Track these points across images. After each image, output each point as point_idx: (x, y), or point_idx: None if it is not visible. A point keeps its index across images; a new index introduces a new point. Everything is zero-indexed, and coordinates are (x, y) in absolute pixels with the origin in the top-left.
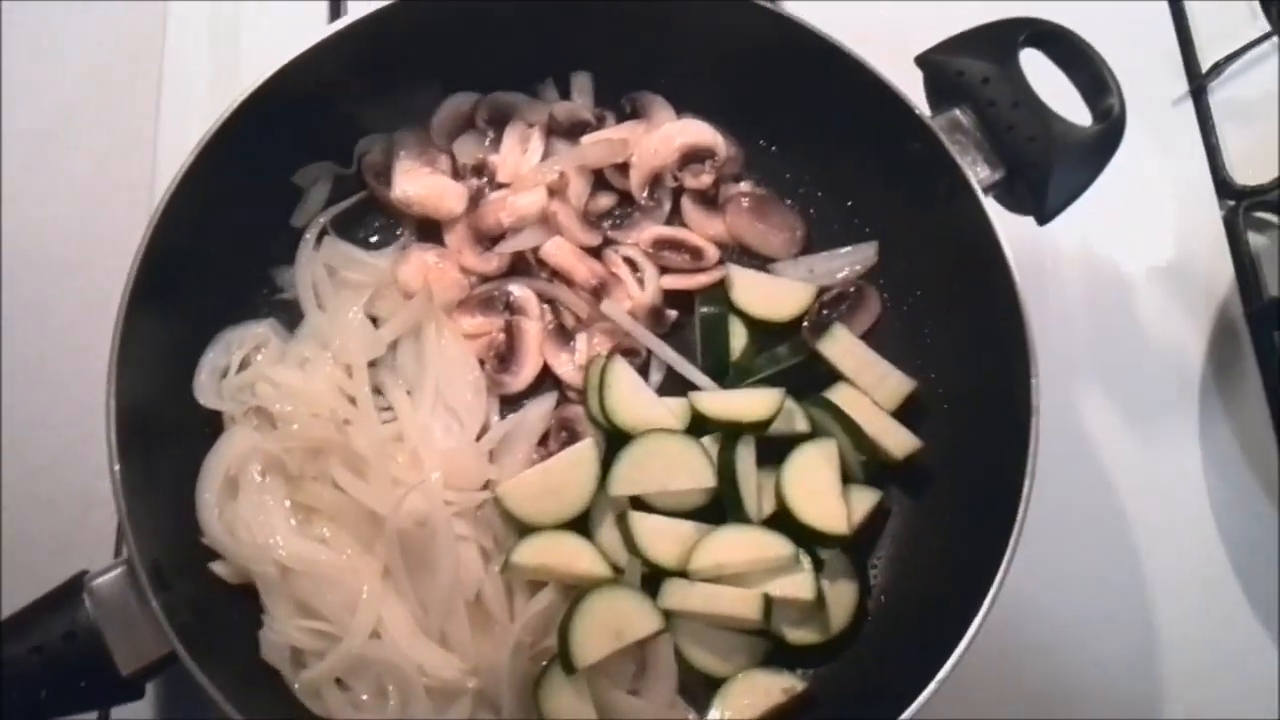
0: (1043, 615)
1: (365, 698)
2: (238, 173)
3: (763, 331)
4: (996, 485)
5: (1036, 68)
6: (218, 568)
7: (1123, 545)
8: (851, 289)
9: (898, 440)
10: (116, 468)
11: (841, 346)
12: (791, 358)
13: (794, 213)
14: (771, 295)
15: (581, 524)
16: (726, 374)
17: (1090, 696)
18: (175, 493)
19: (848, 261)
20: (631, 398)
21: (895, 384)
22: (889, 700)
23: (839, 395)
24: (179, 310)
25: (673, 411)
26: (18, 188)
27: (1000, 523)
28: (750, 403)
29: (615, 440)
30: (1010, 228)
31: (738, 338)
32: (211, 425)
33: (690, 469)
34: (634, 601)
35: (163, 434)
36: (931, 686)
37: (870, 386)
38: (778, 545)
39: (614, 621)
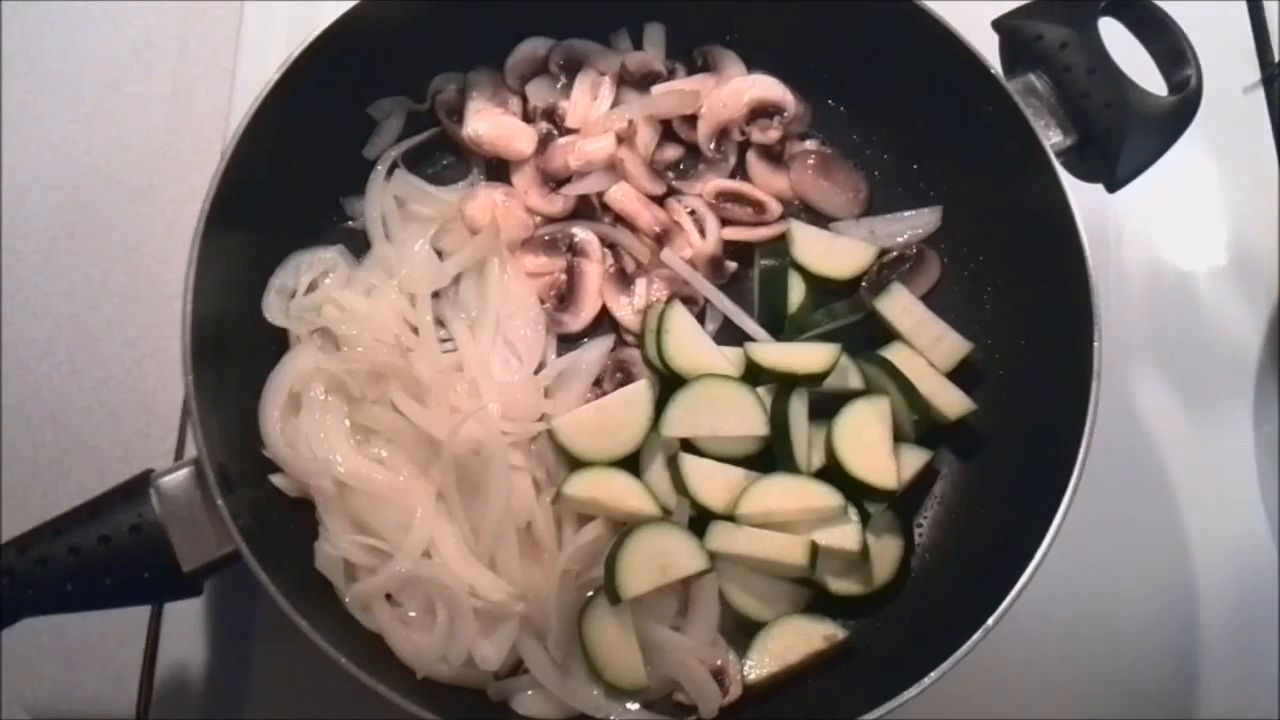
0: (1082, 595)
1: (414, 614)
2: (314, 102)
3: (821, 289)
4: (1049, 453)
5: (1114, 38)
6: (277, 480)
7: (1170, 531)
8: (912, 251)
9: (951, 401)
10: (190, 376)
11: (900, 305)
12: (849, 315)
13: (858, 173)
14: (832, 253)
15: (632, 463)
16: (782, 328)
17: (1123, 681)
18: (240, 406)
19: (910, 225)
20: (689, 343)
21: (952, 345)
22: (923, 657)
23: (894, 354)
24: (252, 231)
25: (729, 359)
26: (100, 108)
27: (1050, 492)
28: (806, 355)
29: (669, 384)
30: (1077, 199)
31: (795, 292)
32: (277, 343)
33: (744, 416)
34: (682, 540)
35: (231, 348)
36: (964, 649)
37: (926, 347)
38: (826, 496)
39: (661, 557)
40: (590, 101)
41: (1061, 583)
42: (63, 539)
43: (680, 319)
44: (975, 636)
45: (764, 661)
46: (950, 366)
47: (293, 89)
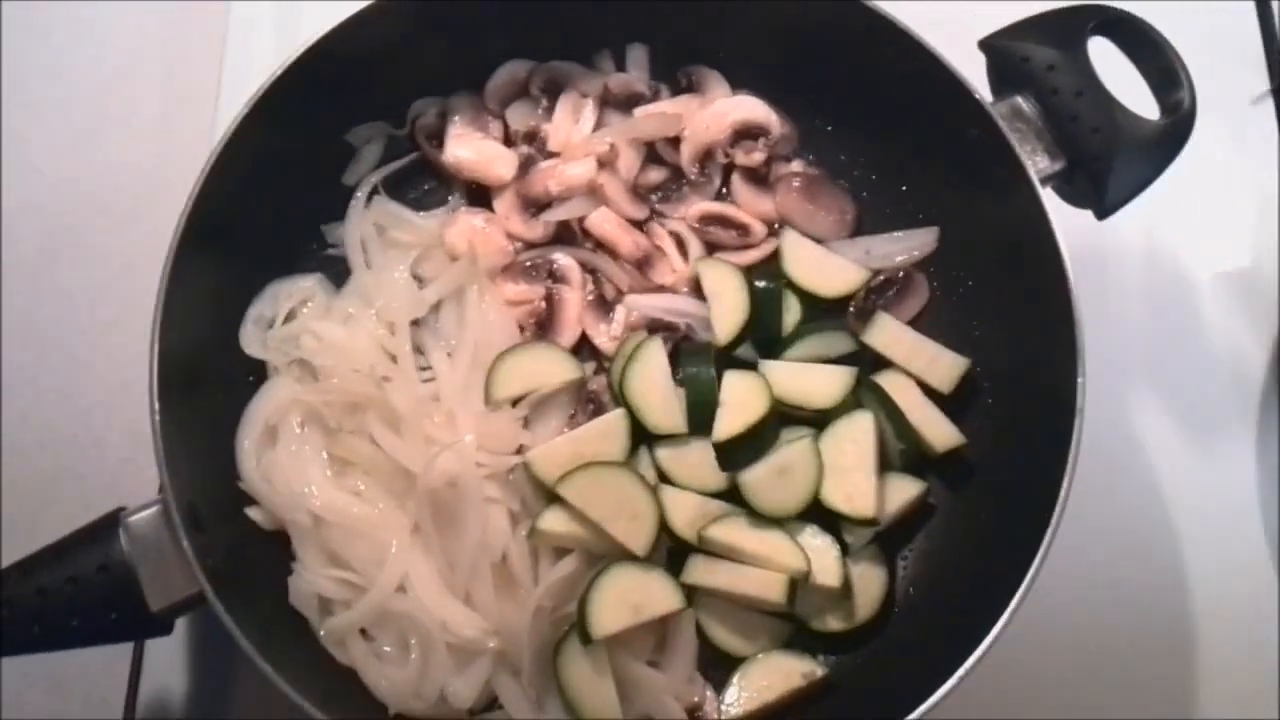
0: (1078, 620)
1: (388, 649)
2: (292, 128)
3: (808, 305)
4: (1035, 486)
5: (1105, 58)
6: (253, 513)
7: (1167, 558)
8: (900, 275)
9: (940, 433)
10: (156, 409)
11: (888, 335)
12: (841, 345)
13: (845, 195)
14: (822, 269)
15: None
16: (776, 351)
17: (1118, 711)
18: (216, 437)
19: (905, 246)
20: (650, 380)
21: (949, 364)
22: (907, 694)
23: (887, 381)
24: (228, 259)
25: (677, 408)
26: (84, 131)
27: (1034, 525)
28: (816, 383)
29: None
30: (1071, 222)
31: (791, 313)
32: (255, 374)
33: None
34: (656, 579)
35: (207, 379)
36: (948, 685)
37: (923, 370)
38: (792, 556)
39: (634, 596)
40: (572, 124)
41: (1057, 608)
42: (30, 580)
43: (652, 354)
44: (958, 674)
45: (742, 699)
46: (951, 386)
47: (270, 113)
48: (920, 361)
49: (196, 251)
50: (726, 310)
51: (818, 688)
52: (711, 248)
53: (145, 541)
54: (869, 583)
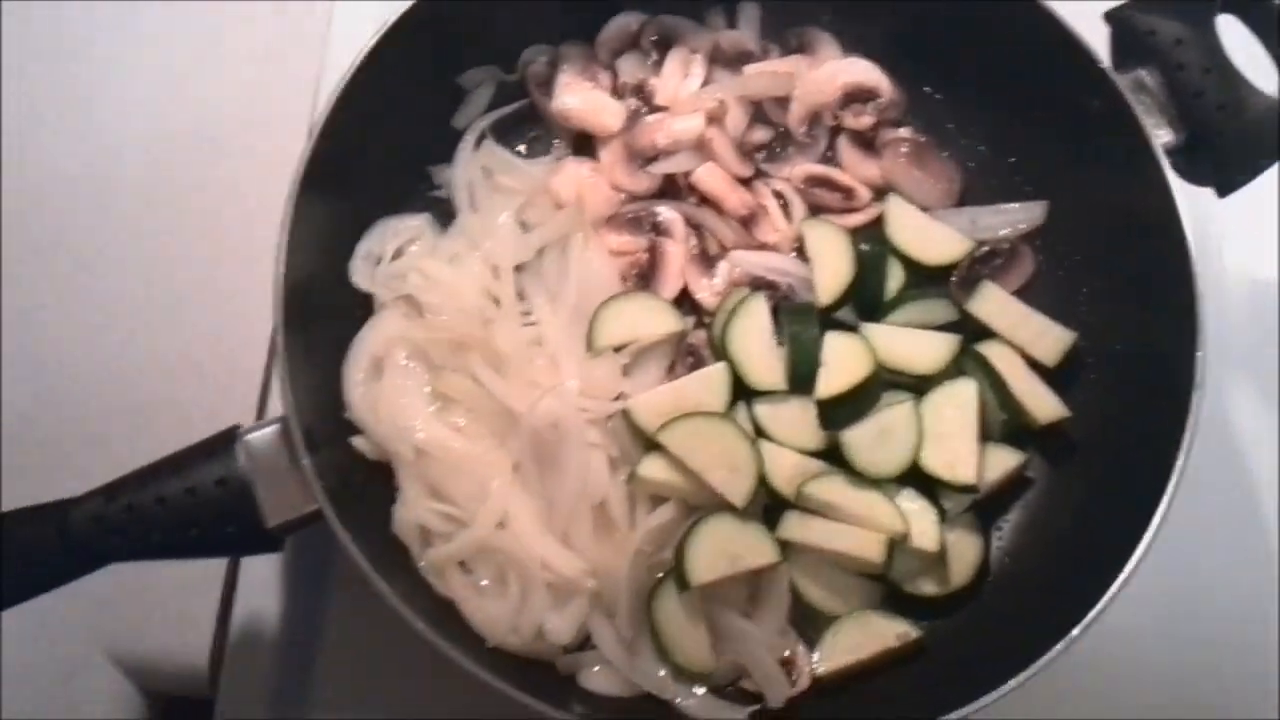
0: (1166, 611)
1: (486, 583)
2: (406, 70)
3: (911, 272)
4: (1143, 464)
5: (1232, 36)
6: (358, 442)
7: (1263, 559)
8: (1006, 247)
9: (1044, 405)
10: (282, 336)
11: (993, 305)
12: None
13: (952, 164)
14: (927, 237)
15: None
16: (877, 315)
17: (1206, 700)
18: (324, 369)
19: (1012, 219)
20: (750, 336)
21: (1055, 338)
22: (998, 665)
23: (991, 351)
24: (341, 195)
25: (779, 365)
26: (193, 66)
27: (1142, 505)
28: (919, 347)
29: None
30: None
31: (894, 279)
32: (363, 308)
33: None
34: (753, 531)
35: (317, 311)
36: (1045, 659)
37: (1028, 342)
38: (890, 517)
39: (731, 547)
40: (681, 79)
41: (1143, 596)
42: (150, 489)
43: (755, 311)
44: (1057, 647)
45: (834, 655)
46: (1057, 360)
47: (386, 56)
48: (1025, 333)
49: (314, 189)
50: (829, 272)
51: (910, 650)
52: (815, 210)
53: (261, 459)
54: (964, 550)
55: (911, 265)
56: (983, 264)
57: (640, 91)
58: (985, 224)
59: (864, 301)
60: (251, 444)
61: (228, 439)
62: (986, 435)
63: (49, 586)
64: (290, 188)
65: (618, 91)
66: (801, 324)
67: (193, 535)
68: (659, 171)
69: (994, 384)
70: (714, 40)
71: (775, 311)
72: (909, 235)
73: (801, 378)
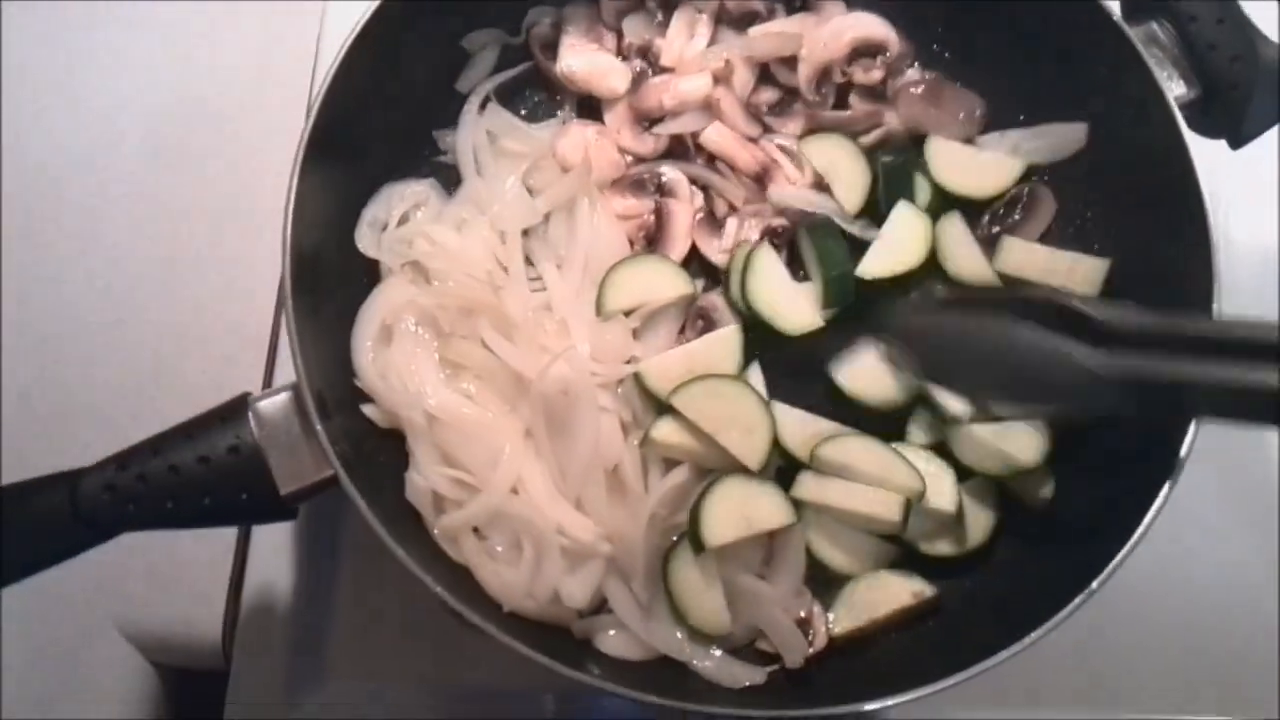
0: (1172, 581)
1: (500, 549)
2: (409, 33)
3: (939, 197)
4: (1157, 425)
5: None
6: (369, 410)
7: (1267, 516)
8: (1025, 191)
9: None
10: (290, 302)
11: (1018, 257)
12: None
13: (969, 92)
14: (974, 169)
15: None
16: None
17: (1211, 672)
18: (332, 336)
19: (1055, 140)
20: (772, 285)
21: (1090, 268)
22: (1007, 625)
23: None
24: (346, 161)
25: (810, 300)
26: (191, 32)
27: (1156, 465)
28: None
29: (753, 329)
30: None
31: (922, 193)
32: (368, 275)
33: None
34: (768, 492)
35: (324, 278)
36: (1061, 615)
37: (1065, 280)
38: (907, 476)
39: (746, 509)
40: (687, 39)
41: (1152, 568)
42: (162, 457)
43: (766, 261)
44: (1075, 601)
45: (850, 615)
46: (1098, 287)
47: (389, 18)
48: (1060, 271)
49: (318, 156)
50: (846, 184)
51: (926, 608)
52: None
53: (274, 425)
54: (980, 509)
55: (963, 200)
56: (1003, 218)
57: (646, 53)
58: (1029, 147)
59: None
60: (262, 411)
61: (239, 406)
62: None
63: (61, 558)
64: (296, 152)
65: (623, 53)
66: (824, 237)
67: (206, 504)
68: (666, 133)
69: None
70: None
71: (792, 247)
72: (958, 173)
73: (839, 291)
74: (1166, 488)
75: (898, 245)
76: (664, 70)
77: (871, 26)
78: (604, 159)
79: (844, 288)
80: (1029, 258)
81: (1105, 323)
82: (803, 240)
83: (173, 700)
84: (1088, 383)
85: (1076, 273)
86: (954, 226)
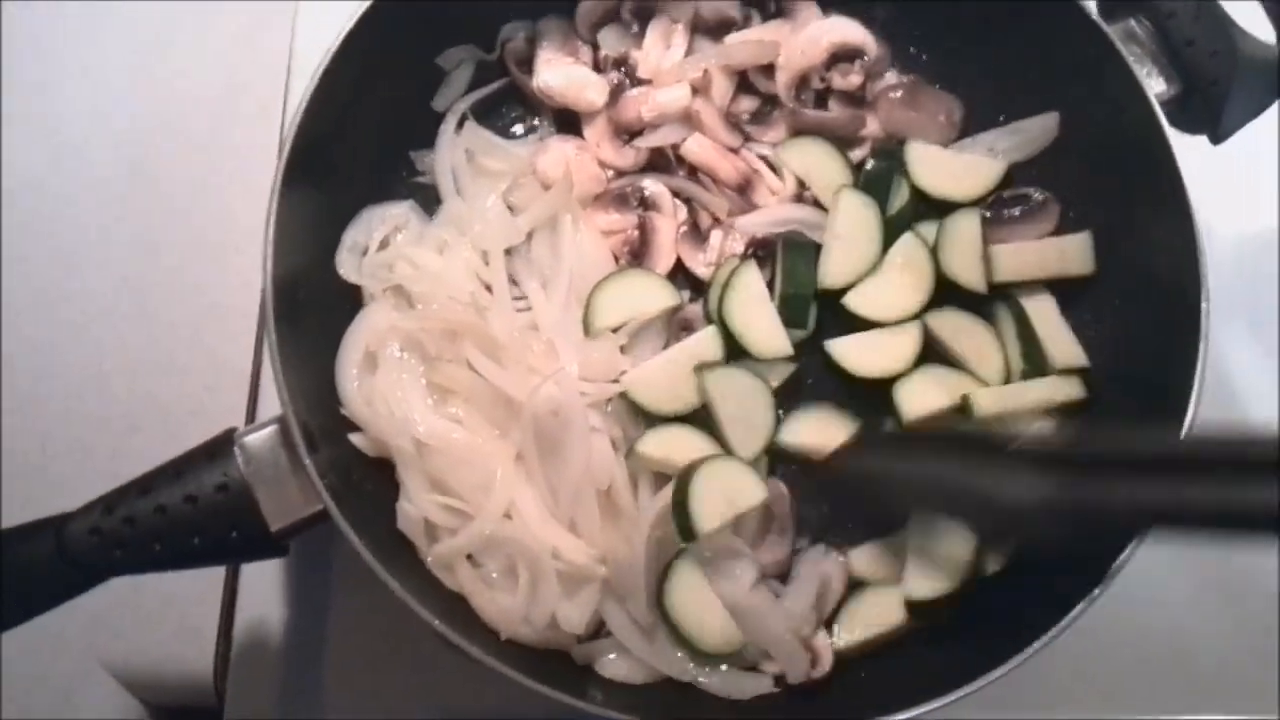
0: (1173, 592)
1: (495, 575)
2: (384, 52)
3: (918, 199)
4: (1154, 413)
5: None
6: (357, 439)
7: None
8: (1034, 197)
9: (1065, 350)
10: (273, 334)
11: (1010, 261)
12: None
13: (948, 95)
14: (954, 172)
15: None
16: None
17: (1208, 677)
18: (315, 364)
19: (1027, 138)
20: (749, 305)
21: (1077, 245)
22: (1014, 633)
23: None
24: (323, 185)
25: (781, 334)
26: (160, 58)
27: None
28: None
29: (730, 341)
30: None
31: (900, 198)
32: (350, 301)
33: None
34: (743, 472)
35: (305, 305)
36: (1062, 623)
37: (1060, 268)
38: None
39: (728, 491)
40: (663, 50)
41: (1153, 568)
42: (149, 498)
43: (749, 279)
44: (1078, 608)
45: (853, 630)
46: (1091, 266)
47: (361, 39)
48: (1052, 260)
49: (296, 182)
50: (824, 186)
51: (929, 621)
52: None
53: (261, 461)
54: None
55: (947, 204)
56: (1005, 209)
57: (622, 65)
58: (1004, 146)
59: None
60: (249, 446)
61: (225, 442)
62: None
63: (49, 606)
64: (274, 178)
65: (599, 66)
66: (796, 258)
67: (195, 544)
68: (646, 145)
69: (1022, 332)
70: (694, 9)
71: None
72: (938, 176)
73: (795, 312)
74: None
75: (850, 241)
76: (642, 82)
77: (848, 31)
78: (585, 174)
79: (801, 308)
80: (1020, 258)
81: (1052, 454)
82: (778, 254)
83: None
84: (1036, 513)
85: (1069, 252)
86: (969, 228)
